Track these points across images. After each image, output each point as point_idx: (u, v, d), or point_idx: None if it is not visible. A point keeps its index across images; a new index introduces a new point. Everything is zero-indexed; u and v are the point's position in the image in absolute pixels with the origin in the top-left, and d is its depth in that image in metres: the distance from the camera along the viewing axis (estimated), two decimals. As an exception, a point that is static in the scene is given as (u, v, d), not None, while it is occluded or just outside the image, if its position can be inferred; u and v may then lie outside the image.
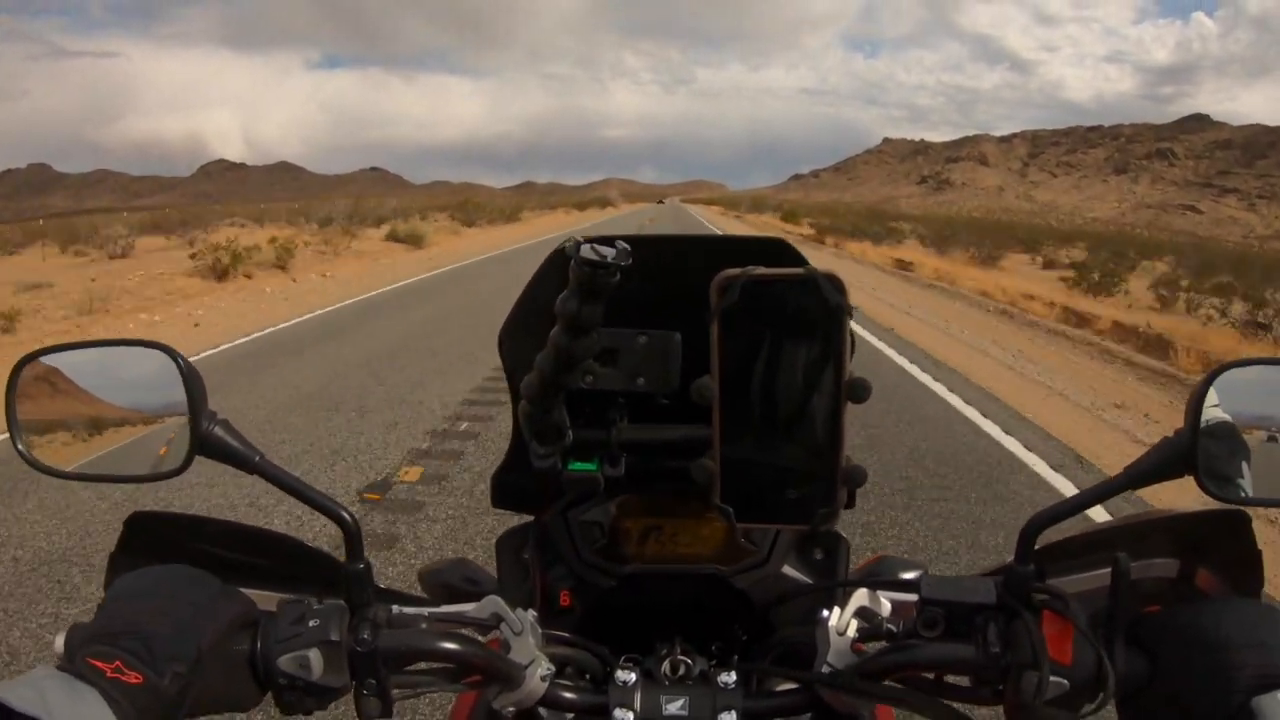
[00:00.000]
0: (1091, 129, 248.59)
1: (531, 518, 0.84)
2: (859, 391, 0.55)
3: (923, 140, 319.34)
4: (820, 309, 0.54)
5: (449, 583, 0.91)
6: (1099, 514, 2.79)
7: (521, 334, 0.74)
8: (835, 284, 0.54)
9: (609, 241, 0.56)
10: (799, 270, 0.55)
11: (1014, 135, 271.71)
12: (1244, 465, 0.60)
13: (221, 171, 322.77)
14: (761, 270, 0.55)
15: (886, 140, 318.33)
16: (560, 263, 0.65)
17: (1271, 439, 0.61)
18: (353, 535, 0.60)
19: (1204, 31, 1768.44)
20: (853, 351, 0.56)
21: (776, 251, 0.75)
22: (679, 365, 0.72)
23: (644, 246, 0.64)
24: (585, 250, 0.55)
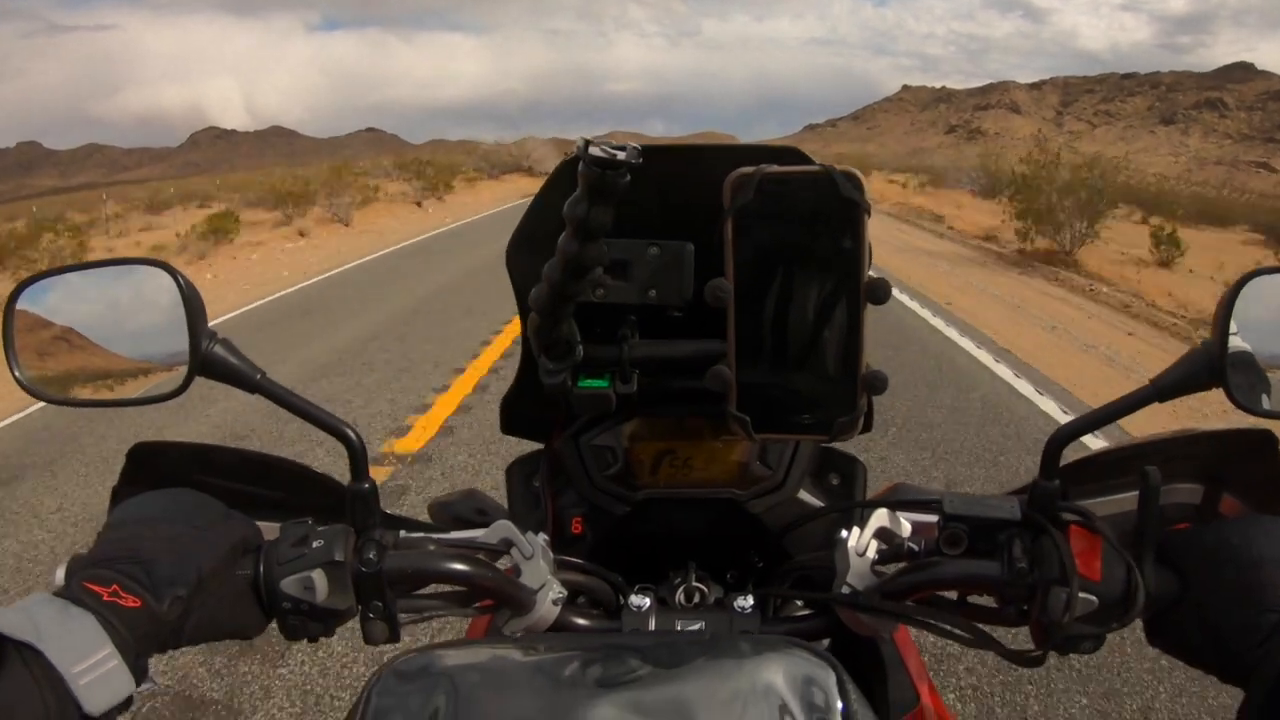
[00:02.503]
0: (1126, 76, 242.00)
1: (541, 445, 0.82)
2: (878, 293, 0.53)
3: (944, 88, 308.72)
4: (838, 207, 0.52)
5: (459, 514, 0.86)
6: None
7: (529, 249, 0.70)
8: (853, 181, 0.52)
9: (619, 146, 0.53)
10: (815, 167, 0.53)
11: (1043, 82, 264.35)
12: (1270, 377, 0.57)
13: (211, 140, 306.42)
14: (777, 168, 0.53)
15: (906, 88, 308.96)
16: (569, 173, 0.63)
17: None
18: (357, 454, 0.58)
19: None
20: (870, 254, 0.54)
21: (790, 158, 0.70)
22: (692, 276, 0.68)
23: (655, 155, 0.61)
24: (594, 150, 0.52)
